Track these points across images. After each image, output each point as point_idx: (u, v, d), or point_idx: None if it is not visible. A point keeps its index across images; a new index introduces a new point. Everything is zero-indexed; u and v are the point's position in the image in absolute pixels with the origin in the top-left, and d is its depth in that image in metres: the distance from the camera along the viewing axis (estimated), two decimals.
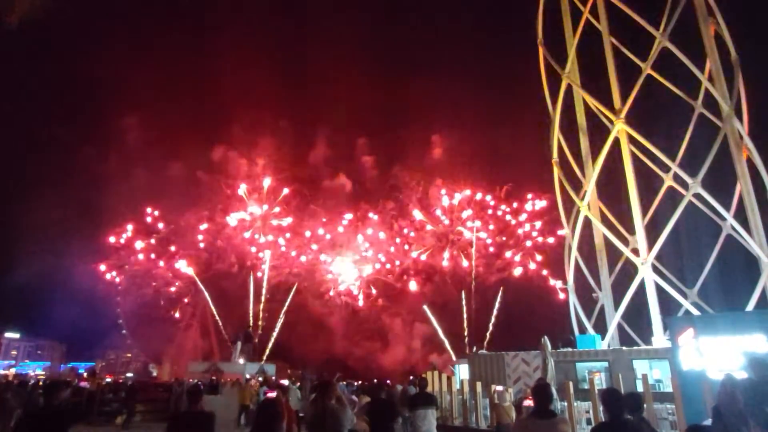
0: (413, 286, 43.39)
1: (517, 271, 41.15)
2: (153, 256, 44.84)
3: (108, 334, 50.27)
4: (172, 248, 45.07)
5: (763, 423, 5.16)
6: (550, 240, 40.93)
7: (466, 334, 40.94)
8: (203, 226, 44.65)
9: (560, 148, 31.54)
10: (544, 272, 40.31)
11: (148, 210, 44.81)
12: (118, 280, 45.64)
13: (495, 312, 41.41)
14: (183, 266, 44.96)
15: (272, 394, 8.16)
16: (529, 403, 8.72)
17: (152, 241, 45.21)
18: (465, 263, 42.77)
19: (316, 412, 6.19)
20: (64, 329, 53.70)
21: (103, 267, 43.94)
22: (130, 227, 44.58)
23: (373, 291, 44.39)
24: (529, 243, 41.83)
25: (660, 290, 24.40)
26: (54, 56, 52.92)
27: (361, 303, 43.63)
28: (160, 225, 45.33)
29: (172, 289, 44.82)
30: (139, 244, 45.10)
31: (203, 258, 44.94)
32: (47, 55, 53.24)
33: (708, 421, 6.22)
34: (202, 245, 44.94)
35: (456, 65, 55.79)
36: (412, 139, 47.09)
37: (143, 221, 45.14)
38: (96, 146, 46.23)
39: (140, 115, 46.93)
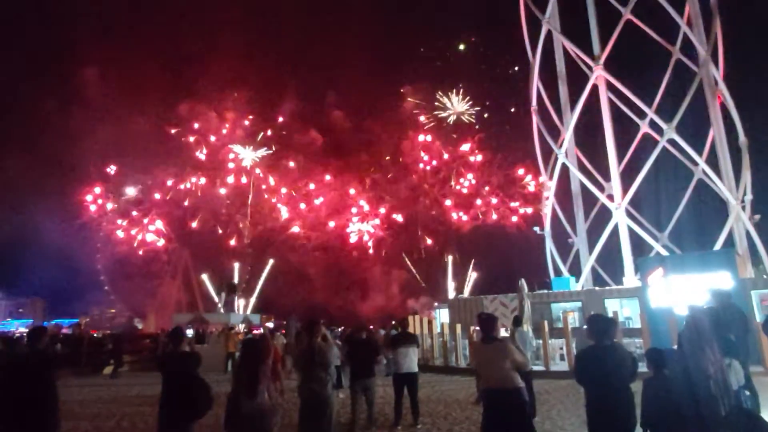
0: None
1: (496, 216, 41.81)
2: (123, 223, 43.98)
3: (89, 290, 50.14)
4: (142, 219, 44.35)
5: (725, 348, 5.51)
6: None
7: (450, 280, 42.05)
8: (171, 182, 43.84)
9: (539, 95, 31.52)
10: (515, 219, 41.25)
11: (113, 167, 43.56)
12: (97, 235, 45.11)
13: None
14: (157, 227, 44.42)
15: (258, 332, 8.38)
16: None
17: (116, 205, 44.39)
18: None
19: (304, 350, 6.42)
20: (44, 286, 53.51)
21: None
22: (97, 189, 43.53)
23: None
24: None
25: (633, 234, 25.19)
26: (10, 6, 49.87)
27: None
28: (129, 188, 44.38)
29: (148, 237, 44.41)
30: (104, 204, 44.23)
31: (176, 215, 44.50)
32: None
33: None
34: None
35: (431, 11, 53.85)
36: (384, 91, 46.13)
37: (111, 179, 44.03)
38: (61, 100, 44.28)
39: (103, 67, 44.82)
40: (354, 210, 43.87)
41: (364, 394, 9.15)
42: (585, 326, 5.24)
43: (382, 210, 43.99)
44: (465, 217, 42.41)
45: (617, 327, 5.34)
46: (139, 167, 43.28)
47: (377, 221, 43.90)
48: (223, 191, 43.63)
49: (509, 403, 5.21)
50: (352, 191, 43.76)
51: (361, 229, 43.67)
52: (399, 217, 43.82)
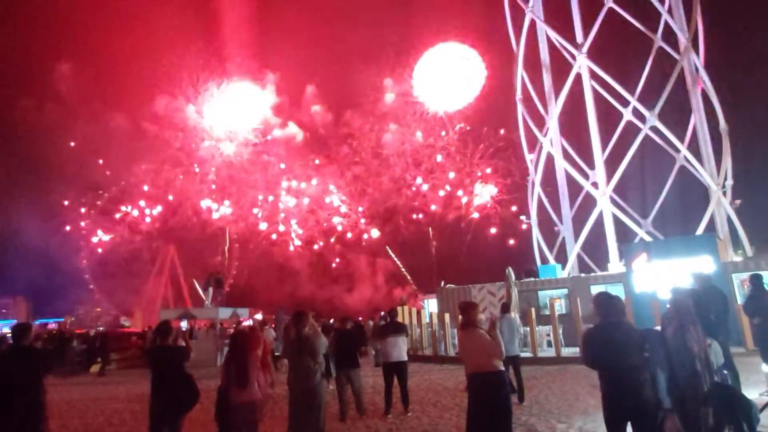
0: (374, 233, 44.04)
1: (482, 199, 42.01)
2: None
3: (74, 288, 49.51)
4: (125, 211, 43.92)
5: (706, 328, 5.63)
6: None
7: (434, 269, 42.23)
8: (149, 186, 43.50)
9: (523, 84, 31.62)
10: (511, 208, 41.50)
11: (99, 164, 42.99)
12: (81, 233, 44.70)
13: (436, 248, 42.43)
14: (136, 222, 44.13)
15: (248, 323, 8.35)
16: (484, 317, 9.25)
17: (98, 202, 43.98)
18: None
19: (292, 340, 6.43)
20: (28, 286, 52.58)
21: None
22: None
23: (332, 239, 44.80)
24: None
25: (617, 221, 25.49)
26: None
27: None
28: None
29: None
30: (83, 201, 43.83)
31: (158, 213, 44.18)
32: None
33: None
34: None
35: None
36: (364, 83, 45.75)
37: (90, 177, 43.48)
38: (34, 98, 43.40)
39: (78, 64, 44.05)
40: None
41: (349, 384, 9.20)
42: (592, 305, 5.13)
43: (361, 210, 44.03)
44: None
45: (624, 306, 5.14)
46: (118, 164, 42.85)
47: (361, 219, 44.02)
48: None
49: (489, 385, 5.32)
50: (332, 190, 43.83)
51: (343, 223, 43.78)
52: (375, 232, 43.92)
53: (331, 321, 24.44)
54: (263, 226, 44.01)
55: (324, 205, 44.36)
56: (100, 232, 43.86)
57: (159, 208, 44.19)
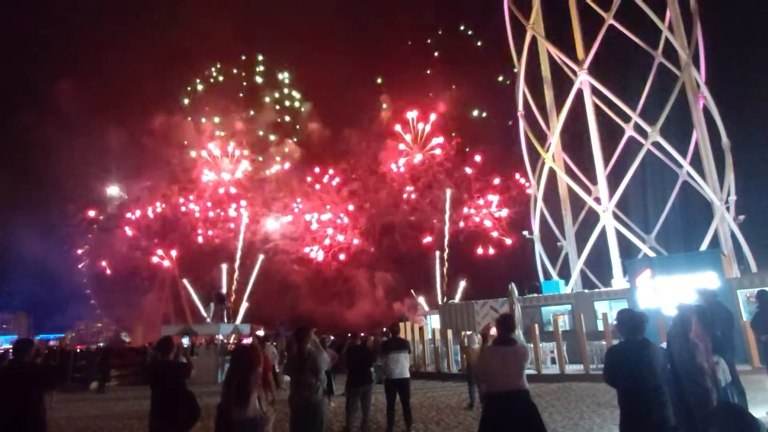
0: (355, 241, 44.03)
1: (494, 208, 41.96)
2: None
3: (74, 304, 49.43)
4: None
5: (713, 345, 5.56)
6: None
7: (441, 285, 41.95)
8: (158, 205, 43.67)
9: (525, 100, 31.79)
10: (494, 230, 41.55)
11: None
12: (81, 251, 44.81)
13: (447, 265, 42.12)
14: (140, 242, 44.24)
15: (248, 341, 8.29)
16: (495, 332, 8.99)
17: (101, 217, 44.20)
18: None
19: (294, 356, 6.36)
20: (28, 301, 52.54)
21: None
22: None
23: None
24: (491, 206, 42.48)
25: (620, 236, 25.38)
26: None
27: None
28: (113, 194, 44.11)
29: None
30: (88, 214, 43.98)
31: (156, 228, 44.34)
32: None
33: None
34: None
35: (411, 18, 53.19)
36: (362, 100, 46.13)
37: (93, 193, 43.73)
38: (38, 114, 43.85)
39: (79, 79, 44.54)
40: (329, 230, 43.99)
41: (361, 400, 9.10)
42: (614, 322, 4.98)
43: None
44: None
45: (648, 322, 4.99)
46: (117, 180, 43.14)
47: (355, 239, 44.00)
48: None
49: (524, 404, 4.89)
50: (327, 213, 43.95)
51: (338, 239, 43.75)
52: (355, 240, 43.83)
53: (332, 337, 24.29)
54: (275, 221, 43.88)
55: (321, 222, 44.39)
56: (101, 253, 43.96)
57: (158, 222, 44.34)
